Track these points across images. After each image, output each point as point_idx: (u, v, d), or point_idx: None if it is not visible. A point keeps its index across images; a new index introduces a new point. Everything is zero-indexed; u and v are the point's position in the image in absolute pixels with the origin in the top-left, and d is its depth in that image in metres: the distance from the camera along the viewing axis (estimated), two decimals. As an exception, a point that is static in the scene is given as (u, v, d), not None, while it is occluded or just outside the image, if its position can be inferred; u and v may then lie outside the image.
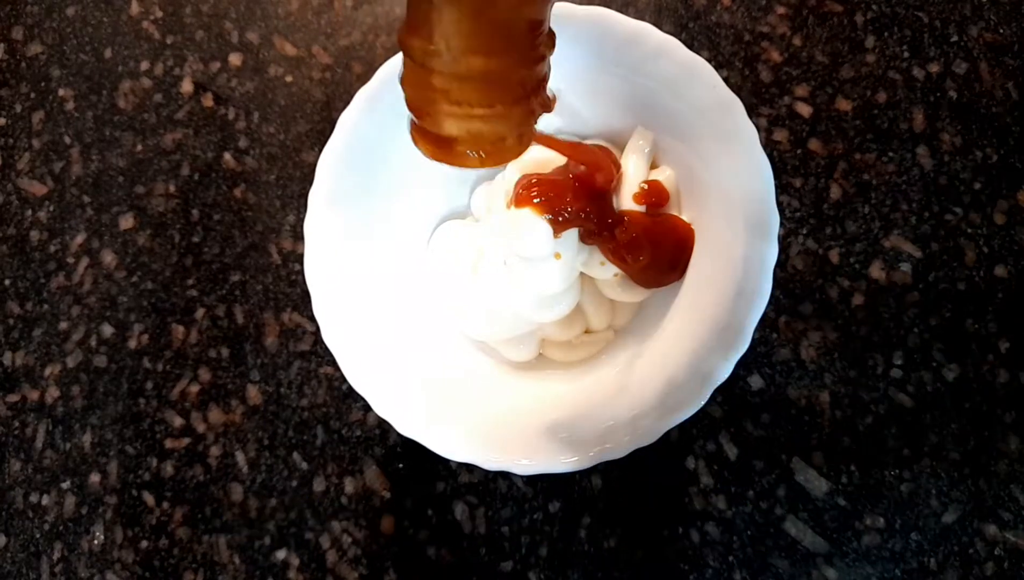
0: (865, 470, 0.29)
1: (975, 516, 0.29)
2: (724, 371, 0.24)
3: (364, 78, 0.27)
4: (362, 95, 0.27)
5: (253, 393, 0.33)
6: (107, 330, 0.34)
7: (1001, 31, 0.33)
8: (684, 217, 0.28)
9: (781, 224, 0.27)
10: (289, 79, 0.36)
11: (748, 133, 0.25)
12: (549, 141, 0.25)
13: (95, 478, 0.33)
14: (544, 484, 0.31)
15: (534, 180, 0.27)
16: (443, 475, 0.31)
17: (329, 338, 0.26)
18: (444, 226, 0.30)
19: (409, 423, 0.26)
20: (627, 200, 0.28)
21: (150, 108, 0.37)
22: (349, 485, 0.32)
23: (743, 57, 0.34)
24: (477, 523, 0.31)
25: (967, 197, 0.31)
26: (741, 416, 0.30)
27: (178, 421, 0.33)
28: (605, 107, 0.29)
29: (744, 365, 0.29)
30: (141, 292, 0.35)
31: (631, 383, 0.26)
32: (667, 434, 0.24)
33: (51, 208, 0.36)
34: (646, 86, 0.27)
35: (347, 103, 0.27)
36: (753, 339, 0.24)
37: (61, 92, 0.38)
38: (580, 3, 0.26)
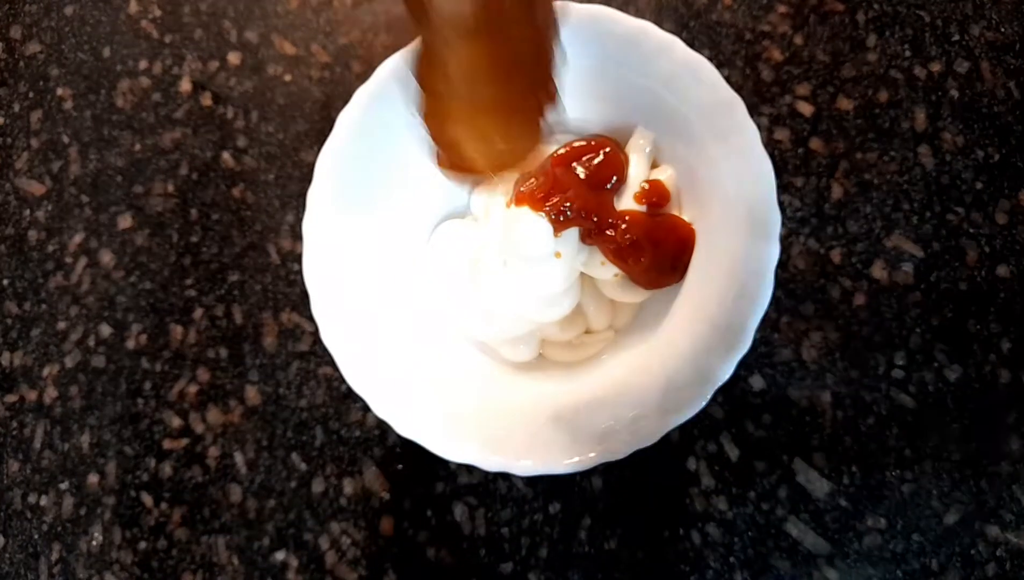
0: (867, 471, 0.29)
1: (977, 517, 0.29)
2: (725, 372, 0.24)
3: (363, 77, 0.27)
4: (361, 94, 0.27)
5: (252, 393, 0.33)
6: (105, 330, 0.34)
7: (1003, 30, 0.33)
8: (685, 217, 0.28)
9: (782, 224, 0.27)
10: (288, 78, 0.36)
11: (749, 132, 0.25)
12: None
13: (93, 479, 0.33)
14: (544, 485, 0.30)
15: (533, 178, 0.27)
16: (443, 476, 0.31)
17: (328, 338, 0.26)
18: (444, 226, 0.30)
19: (408, 424, 0.25)
20: (628, 200, 0.27)
21: (148, 107, 0.37)
22: (348, 486, 0.31)
23: (744, 56, 0.34)
24: (477, 524, 0.30)
25: (969, 197, 0.31)
26: (742, 417, 0.30)
27: (176, 422, 0.33)
28: (605, 106, 0.29)
29: (745, 365, 0.29)
30: (139, 292, 0.35)
31: (631, 384, 0.26)
32: (668, 435, 0.24)
33: (49, 208, 0.36)
34: (646, 85, 0.27)
35: (346, 102, 0.27)
36: (754, 339, 0.24)
37: (59, 91, 0.38)
38: (580, 1, 0.26)
